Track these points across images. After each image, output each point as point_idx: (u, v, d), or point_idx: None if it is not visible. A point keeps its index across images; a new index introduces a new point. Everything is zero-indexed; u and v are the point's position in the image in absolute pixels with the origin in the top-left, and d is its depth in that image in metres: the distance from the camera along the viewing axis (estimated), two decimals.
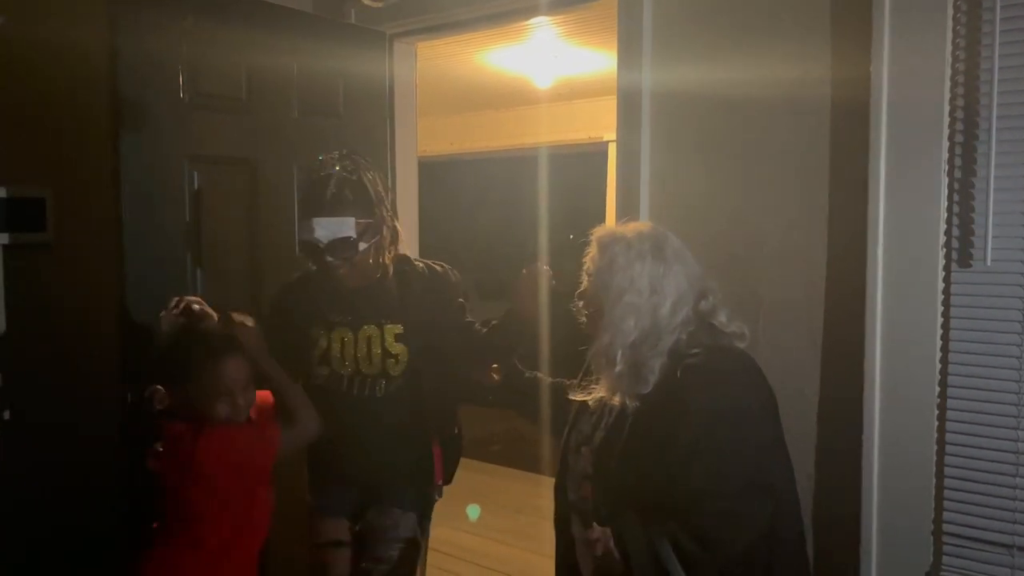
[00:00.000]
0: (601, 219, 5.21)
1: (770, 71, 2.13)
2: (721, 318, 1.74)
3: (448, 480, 2.31)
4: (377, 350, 2.11)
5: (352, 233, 2.01)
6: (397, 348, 2.12)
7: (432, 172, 4.51)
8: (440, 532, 4.05)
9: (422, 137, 3.22)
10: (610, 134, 2.54)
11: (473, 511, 3.86)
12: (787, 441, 1.75)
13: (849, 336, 2.01)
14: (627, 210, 2.36)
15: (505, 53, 4.33)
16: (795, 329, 2.11)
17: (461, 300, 2.22)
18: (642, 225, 1.82)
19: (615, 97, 2.44)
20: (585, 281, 1.80)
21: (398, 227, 2.18)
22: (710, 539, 1.57)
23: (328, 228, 2.00)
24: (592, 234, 1.79)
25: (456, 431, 2.32)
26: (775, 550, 1.67)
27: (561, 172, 6.19)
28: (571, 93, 5.21)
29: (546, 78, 4.74)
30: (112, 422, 2.31)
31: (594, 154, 5.77)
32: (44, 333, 2.30)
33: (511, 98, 5.55)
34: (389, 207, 2.14)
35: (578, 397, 1.81)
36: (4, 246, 2.24)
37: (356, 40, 2.93)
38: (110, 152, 2.34)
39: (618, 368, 1.67)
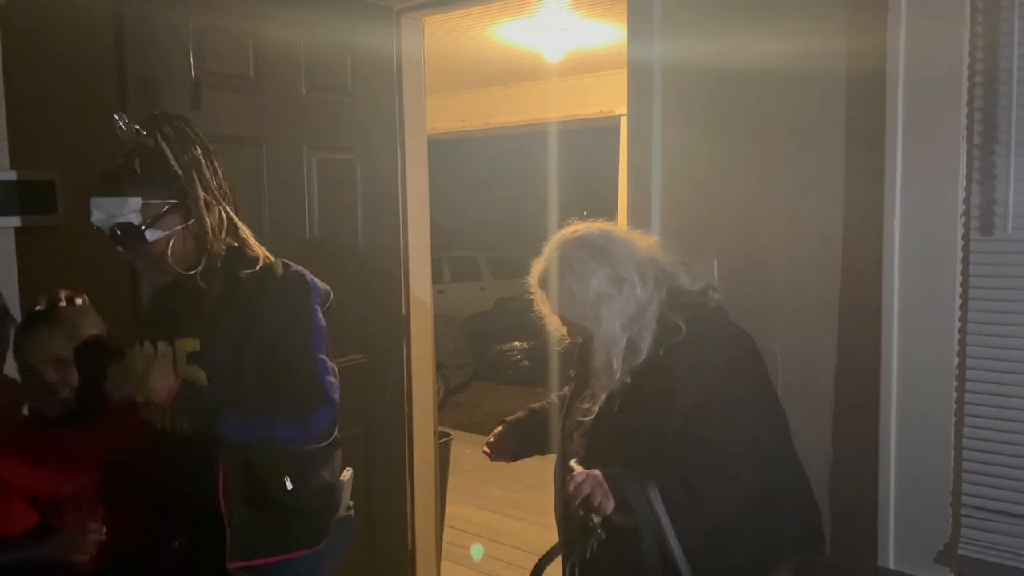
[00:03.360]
0: (614, 193, 5.20)
1: (784, 42, 2.08)
2: (683, 282, 1.76)
3: (310, 544, 1.75)
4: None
5: (135, 218, 1.63)
6: (191, 372, 1.67)
7: (443, 150, 4.49)
8: (455, 509, 4.08)
9: (432, 114, 3.20)
10: (622, 108, 2.51)
11: (477, 551, 3.97)
12: (802, 413, 1.74)
13: (866, 308, 1.98)
14: (639, 184, 2.34)
15: (514, 27, 4.29)
16: (810, 302, 2.09)
17: (307, 320, 1.69)
18: (555, 247, 1.78)
19: (626, 70, 2.40)
20: (556, 325, 1.81)
21: (229, 214, 1.76)
22: (697, 489, 1.62)
23: (105, 209, 1.65)
24: (531, 294, 1.80)
25: (290, 486, 1.70)
26: (775, 516, 1.71)
27: (573, 147, 6.15)
28: (582, 67, 5.15)
29: (556, 52, 4.68)
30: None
31: (606, 128, 5.73)
32: None
33: (521, 73, 5.50)
34: (215, 187, 1.73)
35: (586, 406, 1.81)
36: (16, 229, 2.24)
37: (363, 15, 2.89)
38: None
39: (618, 375, 1.70)
